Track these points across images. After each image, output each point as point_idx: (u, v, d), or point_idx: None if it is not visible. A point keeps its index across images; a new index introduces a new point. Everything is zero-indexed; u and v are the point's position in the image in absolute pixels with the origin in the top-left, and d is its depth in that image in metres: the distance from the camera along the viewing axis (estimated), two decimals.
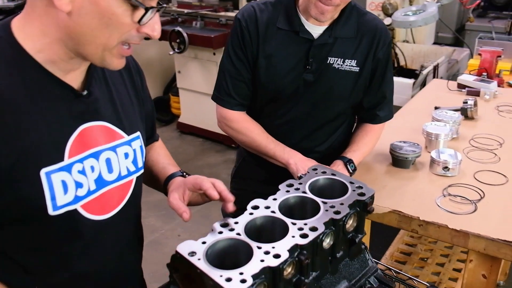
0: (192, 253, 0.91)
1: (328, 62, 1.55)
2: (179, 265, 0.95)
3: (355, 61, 1.56)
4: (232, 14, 4.04)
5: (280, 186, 1.12)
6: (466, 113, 2.14)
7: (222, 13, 4.04)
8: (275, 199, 1.07)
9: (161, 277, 3.04)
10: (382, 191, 1.56)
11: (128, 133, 1.06)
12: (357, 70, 1.57)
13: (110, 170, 1.01)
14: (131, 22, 0.86)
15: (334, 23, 1.53)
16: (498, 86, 2.56)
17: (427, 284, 1.26)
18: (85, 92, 0.96)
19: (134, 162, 1.08)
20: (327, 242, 1.00)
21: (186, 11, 4.17)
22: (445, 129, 1.85)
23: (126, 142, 1.06)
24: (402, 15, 2.89)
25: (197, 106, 4.44)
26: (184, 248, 0.92)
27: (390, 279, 1.27)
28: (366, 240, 1.63)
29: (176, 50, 4.02)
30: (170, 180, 1.23)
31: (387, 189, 1.60)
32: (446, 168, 1.67)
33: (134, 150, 1.08)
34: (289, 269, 0.92)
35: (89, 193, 0.97)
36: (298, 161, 1.57)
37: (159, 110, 4.95)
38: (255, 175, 1.79)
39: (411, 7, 3.00)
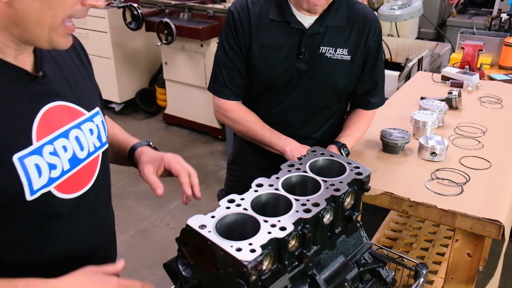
0: (202, 226, 0.96)
1: (320, 51, 1.60)
2: (189, 238, 0.99)
3: (347, 49, 1.61)
4: (219, 6, 4.06)
5: (282, 166, 1.17)
6: (451, 103, 2.22)
7: (210, 5, 4.06)
8: (277, 178, 1.12)
9: (151, 264, 3.13)
10: (374, 174, 1.63)
11: (88, 109, 1.07)
12: (349, 59, 1.62)
13: (81, 147, 1.02)
14: None
15: (325, 13, 1.58)
16: (480, 78, 2.66)
17: (417, 262, 1.33)
18: (40, 73, 0.95)
19: (99, 137, 1.09)
20: (327, 218, 1.06)
21: (173, 2, 4.17)
22: (432, 117, 1.93)
23: (88, 118, 1.06)
24: (388, 9, 2.97)
25: (184, 98, 4.46)
26: (194, 222, 0.97)
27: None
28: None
29: (163, 41, 4.03)
30: (135, 149, 1.26)
31: (378, 173, 1.67)
32: (433, 153, 1.75)
33: (97, 126, 1.09)
34: (293, 242, 0.98)
35: (63, 173, 0.98)
36: (293, 148, 1.62)
37: (145, 102, 4.96)
38: (252, 162, 1.84)
39: (397, 2, 3.08)
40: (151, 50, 4.85)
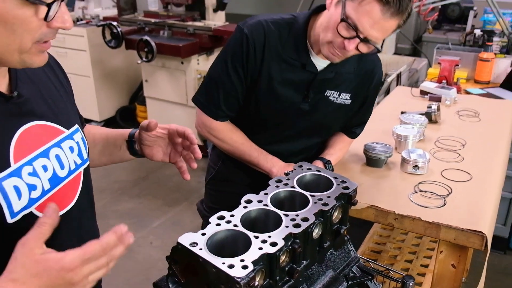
0: (194, 244, 0.96)
1: (325, 94, 1.60)
2: (179, 256, 0.99)
3: (349, 94, 1.63)
4: (199, 24, 4.09)
5: (269, 182, 1.18)
6: (430, 117, 2.27)
7: (190, 23, 4.09)
8: (266, 194, 1.13)
9: (135, 284, 3.09)
10: (359, 188, 1.60)
11: (67, 127, 1.06)
12: (349, 103, 1.65)
13: (62, 166, 1.01)
14: (38, 21, 0.83)
15: None
16: (457, 93, 2.73)
17: (403, 274, 1.35)
18: (15, 94, 0.94)
19: (80, 155, 1.08)
20: (316, 232, 1.07)
21: (153, 20, 4.19)
22: (413, 131, 1.97)
23: (67, 136, 1.05)
24: None
25: (165, 115, 4.45)
26: (185, 240, 0.97)
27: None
28: None
29: (144, 59, 4.04)
30: (134, 133, 1.29)
31: (363, 187, 1.69)
32: (416, 166, 1.79)
33: (77, 143, 1.08)
34: (284, 257, 0.98)
35: (44, 193, 0.96)
36: (280, 169, 1.63)
37: (125, 120, 4.94)
38: (234, 177, 1.83)
39: None
40: (131, 68, 4.85)
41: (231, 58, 1.56)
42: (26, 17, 0.82)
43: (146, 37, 3.93)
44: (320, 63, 1.56)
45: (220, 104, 1.60)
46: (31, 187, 0.94)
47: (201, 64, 4.13)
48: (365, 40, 1.40)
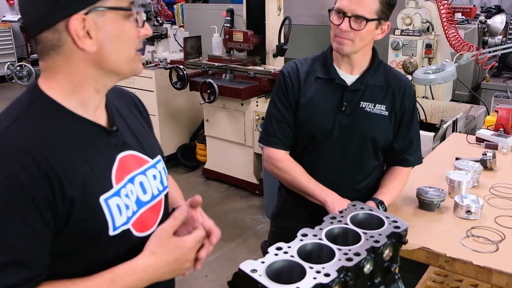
0: (254, 270, 1.06)
1: (360, 106, 1.77)
2: (240, 281, 1.09)
3: (384, 106, 1.78)
4: (259, 68, 4.28)
5: (324, 218, 1.27)
6: (485, 164, 2.28)
7: (251, 67, 4.29)
8: (321, 229, 1.22)
9: None
10: (411, 230, 1.66)
11: (152, 157, 1.21)
12: (387, 114, 1.79)
13: (144, 191, 1.16)
14: (134, 30, 1.05)
15: (365, 73, 1.78)
16: None
17: None
18: (114, 128, 1.12)
19: (161, 182, 1.23)
20: (367, 268, 1.14)
21: (216, 64, 4.44)
22: (467, 177, 2.00)
23: (152, 165, 1.20)
24: (423, 73, 3.09)
25: (223, 153, 4.63)
26: (246, 266, 1.07)
27: None
28: None
29: (206, 100, 4.26)
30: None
31: (415, 229, 1.73)
32: (469, 211, 1.81)
33: (160, 172, 1.23)
34: None
35: (133, 213, 1.11)
36: (334, 201, 1.73)
37: (185, 157, 5.16)
38: (295, 215, 1.94)
39: (431, 66, 3.20)
40: (193, 107, 5.10)
41: (275, 93, 1.87)
42: (129, 29, 1.04)
43: (210, 80, 4.16)
44: (349, 78, 1.78)
45: (275, 132, 1.84)
46: (127, 207, 1.10)
47: (260, 106, 4.31)
48: (352, 16, 1.64)
